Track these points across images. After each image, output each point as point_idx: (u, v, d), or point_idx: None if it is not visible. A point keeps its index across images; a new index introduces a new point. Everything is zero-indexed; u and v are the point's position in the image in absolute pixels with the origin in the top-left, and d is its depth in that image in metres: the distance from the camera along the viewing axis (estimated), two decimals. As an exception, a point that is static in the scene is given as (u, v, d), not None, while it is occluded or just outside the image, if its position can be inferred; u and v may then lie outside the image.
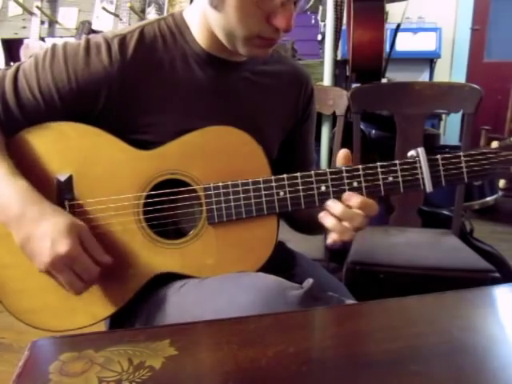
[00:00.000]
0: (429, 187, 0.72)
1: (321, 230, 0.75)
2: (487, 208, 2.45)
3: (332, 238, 0.71)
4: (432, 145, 2.29)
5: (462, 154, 0.72)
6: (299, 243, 1.00)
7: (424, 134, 1.49)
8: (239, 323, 0.57)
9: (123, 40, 0.74)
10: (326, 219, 0.71)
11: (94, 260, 0.69)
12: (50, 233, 0.66)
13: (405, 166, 0.72)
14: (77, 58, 0.73)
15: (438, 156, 0.72)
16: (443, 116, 3.24)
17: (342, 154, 0.74)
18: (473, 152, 0.72)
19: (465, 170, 0.72)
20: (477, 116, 1.43)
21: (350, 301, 0.73)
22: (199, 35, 0.77)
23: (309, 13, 2.50)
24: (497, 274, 1.23)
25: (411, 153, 0.74)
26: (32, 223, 0.67)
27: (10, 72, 0.74)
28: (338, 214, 0.70)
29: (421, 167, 0.72)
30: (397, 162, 0.72)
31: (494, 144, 0.72)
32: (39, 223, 0.67)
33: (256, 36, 0.71)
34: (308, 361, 0.49)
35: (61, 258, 0.66)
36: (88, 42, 0.74)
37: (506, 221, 2.88)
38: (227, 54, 0.78)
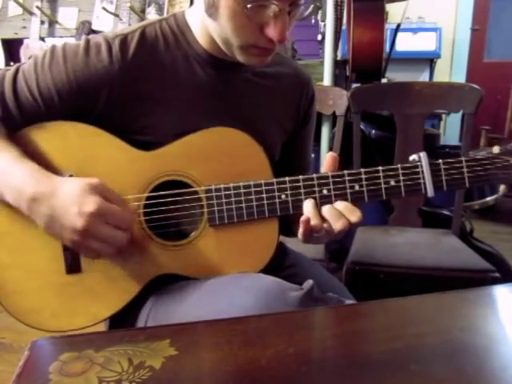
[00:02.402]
0: (430, 192, 0.72)
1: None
2: (487, 208, 2.45)
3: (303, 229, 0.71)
4: (432, 145, 2.29)
5: (463, 159, 0.72)
6: (299, 243, 0.99)
7: (424, 134, 1.49)
8: (239, 323, 0.57)
9: (124, 40, 0.74)
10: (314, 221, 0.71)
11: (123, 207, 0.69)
12: (71, 199, 0.65)
13: (407, 171, 0.72)
14: (76, 58, 0.73)
15: (440, 161, 0.72)
16: (443, 116, 3.24)
17: (330, 158, 0.74)
18: (475, 157, 0.72)
19: (466, 175, 0.71)
20: (477, 116, 1.43)
21: (350, 301, 0.73)
22: (201, 36, 0.77)
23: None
24: (497, 274, 1.23)
25: (413, 157, 0.73)
26: (49, 198, 0.66)
27: (10, 73, 0.74)
28: (322, 211, 0.71)
29: (423, 172, 0.72)
30: (399, 166, 0.72)
31: (496, 149, 0.72)
32: (56, 195, 0.66)
33: (251, 45, 0.71)
34: (308, 361, 0.49)
35: (94, 217, 0.65)
36: (88, 42, 0.74)
37: (506, 221, 2.88)
38: (229, 56, 0.78)
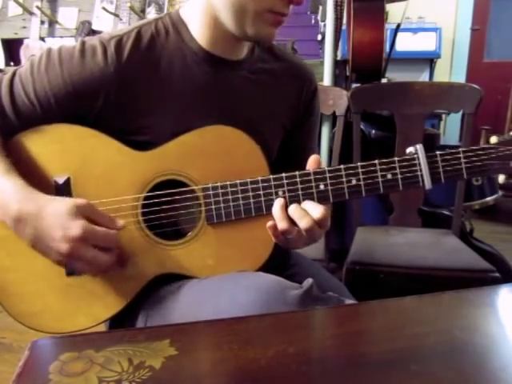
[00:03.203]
0: (428, 184, 0.71)
1: None
2: (487, 208, 2.44)
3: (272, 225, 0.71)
4: (432, 145, 2.29)
5: (460, 150, 0.71)
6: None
7: (424, 134, 1.49)
8: (239, 323, 0.57)
9: (119, 41, 0.74)
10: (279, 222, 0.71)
11: (108, 228, 0.69)
12: (56, 222, 0.65)
13: (403, 163, 0.72)
14: (72, 61, 0.73)
15: (437, 152, 0.72)
16: (443, 116, 3.24)
17: (312, 159, 0.73)
18: (472, 148, 0.71)
19: (464, 165, 0.71)
20: (477, 116, 1.43)
21: (350, 301, 0.73)
22: (198, 33, 0.77)
23: (309, 13, 2.50)
24: (497, 274, 1.23)
25: (410, 149, 0.73)
26: (34, 219, 0.66)
27: (7, 77, 0.74)
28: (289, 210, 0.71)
29: (419, 164, 0.71)
30: (395, 158, 0.72)
31: (493, 139, 0.72)
32: (41, 216, 0.66)
33: (267, 10, 0.71)
34: (308, 361, 0.49)
35: (78, 240, 0.65)
36: (83, 44, 0.74)
37: (506, 221, 2.88)
38: (227, 52, 0.78)
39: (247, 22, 0.72)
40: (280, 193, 0.73)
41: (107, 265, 0.69)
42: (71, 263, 0.68)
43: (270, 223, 0.71)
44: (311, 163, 0.73)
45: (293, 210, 0.70)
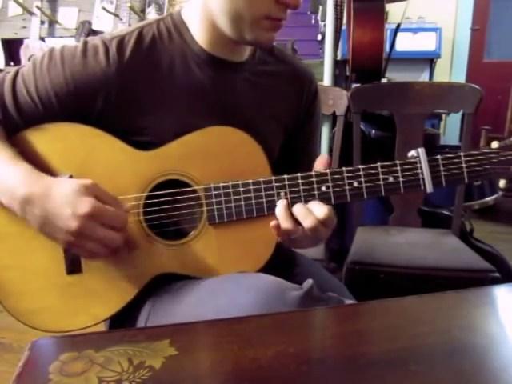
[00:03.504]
0: (429, 188, 0.72)
1: None
2: (487, 208, 2.44)
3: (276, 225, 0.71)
4: (432, 145, 2.29)
5: (462, 154, 0.72)
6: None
7: (424, 134, 1.49)
8: (239, 323, 0.57)
9: (121, 42, 0.74)
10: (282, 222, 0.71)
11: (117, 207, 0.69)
12: (64, 200, 0.65)
13: (405, 167, 0.72)
14: (74, 60, 0.73)
15: (439, 156, 0.72)
16: (443, 116, 3.24)
17: (321, 159, 0.74)
18: (473, 152, 0.72)
19: (465, 170, 0.71)
20: (477, 116, 1.44)
21: (350, 301, 0.73)
22: (199, 34, 0.77)
23: (309, 13, 2.50)
24: (497, 274, 1.23)
25: (412, 153, 0.74)
26: (42, 198, 0.66)
27: (9, 76, 0.75)
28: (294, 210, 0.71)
29: (421, 167, 0.72)
30: (397, 162, 0.72)
31: (494, 144, 0.72)
32: (49, 196, 0.66)
33: (264, 17, 0.70)
34: (308, 361, 0.49)
35: (88, 218, 0.64)
36: (85, 44, 0.74)
37: (506, 221, 2.88)
38: (228, 54, 0.78)
39: (245, 28, 0.72)
40: (282, 194, 0.73)
41: (117, 244, 0.68)
42: (79, 243, 0.66)
43: (273, 223, 0.71)
44: (319, 163, 0.74)
45: (297, 209, 0.71)
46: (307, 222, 0.69)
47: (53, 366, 0.47)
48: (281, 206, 0.72)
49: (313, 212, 0.70)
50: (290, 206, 0.72)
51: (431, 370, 0.47)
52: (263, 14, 0.70)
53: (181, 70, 0.77)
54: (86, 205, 0.64)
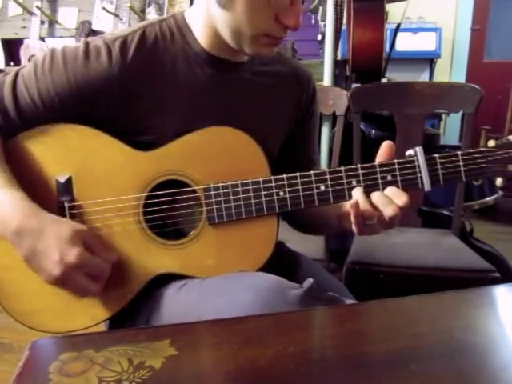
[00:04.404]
0: (427, 186, 0.72)
1: (328, 228, 0.78)
2: (487, 208, 2.45)
3: (355, 225, 0.71)
4: (432, 145, 2.29)
5: (459, 152, 0.72)
6: (299, 243, 1.00)
7: (424, 134, 1.49)
8: (239, 323, 0.57)
9: (124, 42, 0.74)
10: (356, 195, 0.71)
11: (103, 259, 0.70)
12: (55, 245, 0.66)
13: (403, 165, 0.72)
14: (76, 61, 0.72)
15: (436, 155, 0.72)
16: (443, 116, 3.24)
17: (386, 144, 0.74)
18: (470, 151, 0.72)
19: (462, 168, 0.72)
20: (477, 116, 1.43)
21: (350, 301, 0.73)
22: (201, 36, 0.77)
23: (309, 13, 2.50)
24: (497, 274, 1.23)
25: (409, 152, 0.74)
26: (34, 236, 0.67)
27: (9, 77, 0.74)
28: (373, 199, 0.71)
29: (419, 166, 0.72)
30: (395, 161, 0.72)
31: (491, 143, 0.73)
32: (41, 236, 0.67)
33: (263, 35, 0.71)
34: (308, 361, 0.49)
35: (73, 268, 0.66)
36: (87, 45, 0.74)
37: (506, 221, 2.88)
38: (229, 55, 0.78)
39: (244, 42, 0.72)
40: (281, 193, 0.73)
41: (93, 293, 0.70)
42: (59, 285, 0.68)
43: (353, 201, 0.70)
44: (384, 149, 0.73)
45: (377, 196, 0.71)
46: (388, 210, 0.69)
47: (53, 365, 0.47)
48: (359, 191, 0.71)
49: (393, 200, 0.70)
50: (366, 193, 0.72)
51: (431, 370, 0.47)
52: (263, 32, 0.71)
53: (183, 70, 0.77)
54: (73, 255, 0.66)
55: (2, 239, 0.72)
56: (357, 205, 0.70)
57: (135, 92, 0.74)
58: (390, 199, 0.70)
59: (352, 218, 0.71)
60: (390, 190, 0.71)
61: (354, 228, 0.73)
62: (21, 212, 0.67)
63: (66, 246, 0.66)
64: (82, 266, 0.66)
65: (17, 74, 0.75)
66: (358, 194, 0.72)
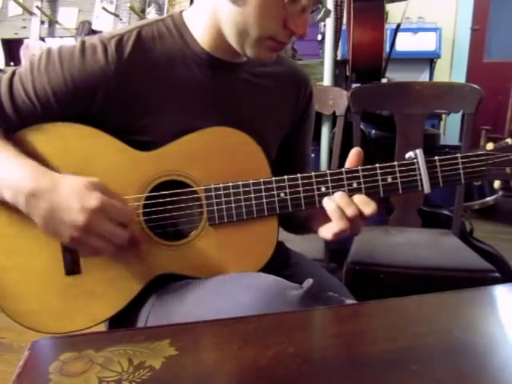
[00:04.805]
0: (427, 188, 0.73)
1: (309, 227, 0.78)
2: (487, 208, 2.45)
3: (331, 228, 0.72)
4: (432, 145, 2.29)
5: (459, 155, 0.73)
6: (299, 243, 1.00)
7: (424, 134, 1.49)
8: (239, 323, 0.57)
9: (120, 41, 0.74)
10: (327, 203, 0.72)
11: (123, 204, 0.69)
12: (73, 195, 0.65)
13: (403, 168, 0.73)
14: (73, 60, 0.72)
15: (436, 157, 0.73)
16: (443, 116, 3.24)
17: (355, 151, 0.74)
18: (470, 154, 0.73)
19: (462, 171, 0.73)
20: (477, 116, 1.43)
21: (350, 301, 0.74)
22: (201, 36, 0.77)
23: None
24: (497, 274, 1.23)
25: (409, 154, 0.74)
26: (49, 192, 0.66)
27: (6, 76, 0.74)
28: (338, 200, 0.71)
29: (419, 168, 0.72)
30: (395, 163, 0.73)
31: (490, 146, 0.74)
32: (57, 189, 0.66)
33: (268, 37, 0.71)
34: (308, 361, 0.49)
35: (96, 212, 0.65)
36: (83, 43, 0.74)
37: (506, 221, 2.88)
38: (228, 55, 0.78)
39: (248, 43, 0.72)
40: (282, 194, 0.73)
41: (122, 240, 0.68)
42: (84, 239, 0.66)
43: (326, 199, 0.72)
44: (352, 156, 0.74)
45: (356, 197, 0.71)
46: (350, 211, 0.70)
47: (53, 366, 0.47)
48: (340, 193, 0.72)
49: (360, 209, 0.70)
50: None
51: (431, 369, 0.47)
52: (269, 35, 0.71)
53: (181, 70, 0.77)
54: (94, 199, 0.65)
55: (2, 239, 0.72)
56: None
57: (131, 90, 0.74)
58: (357, 207, 0.71)
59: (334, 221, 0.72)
60: (359, 198, 0.71)
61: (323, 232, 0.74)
62: (32, 175, 0.67)
63: (83, 193, 0.65)
64: (104, 210, 0.65)
65: (14, 73, 0.75)
66: (339, 196, 0.72)
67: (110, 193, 0.68)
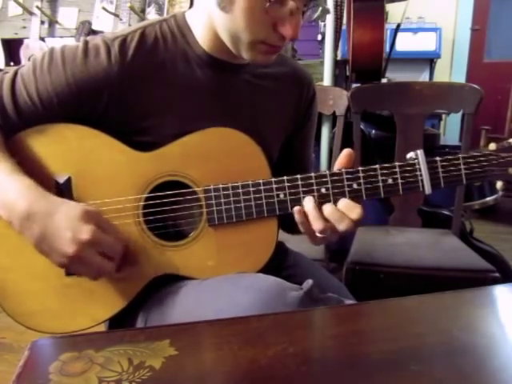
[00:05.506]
0: (428, 189, 0.72)
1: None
2: (487, 208, 2.45)
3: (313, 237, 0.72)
4: (432, 145, 2.29)
5: (460, 156, 0.72)
6: (299, 243, 1.00)
7: (424, 134, 1.49)
8: (239, 323, 0.57)
9: (124, 42, 0.74)
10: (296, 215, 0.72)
11: (116, 238, 0.69)
12: (66, 223, 0.65)
13: (404, 168, 0.72)
14: (75, 60, 0.72)
15: (437, 158, 0.72)
16: (443, 116, 3.24)
17: (346, 152, 0.73)
18: (471, 154, 0.72)
19: (463, 172, 0.72)
20: (477, 116, 1.43)
21: (350, 301, 0.74)
22: (201, 37, 0.77)
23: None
24: (497, 274, 1.23)
25: (410, 155, 0.74)
26: (43, 218, 0.66)
27: (8, 76, 0.74)
28: (310, 210, 0.71)
29: (420, 169, 0.72)
30: (396, 164, 0.72)
31: (492, 146, 0.73)
32: (51, 216, 0.66)
33: (261, 42, 0.71)
34: (308, 361, 0.49)
35: (87, 245, 0.65)
36: (86, 44, 0.74)
37: (506, 221, 2.88)
38: (229, 56, 0.78)
39: (242, 47, 0.72)
40: (281, 195, 0.73)
41: (108, 272, 0.69)
42: (72, 266, 0.67)
43: (297, 209, 0.71)
44: (342, 157, 0.73)
45: (330, 212, 0.70)
46: (343, 225, 0.69)
47: (53, 366, 0.47)
48: (311, 205, 0.71)
49: (346, 215, 0.69)
50: (318, 205, 0.71)
51: (431, 370, 0.47)
52: (260, 39, 0.70)
53: (183, 70, 0.77)
54: (86, 232, 0.65)
55: (2, 240, 0.72)
56: (303, 213, 0.71)
57: (134, 92, 0.74)
58: (343, 214, 0.69)
59: (300, 227, 0.72)
60: (343, 203, 0.70)
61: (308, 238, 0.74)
62: (28, 196, 0.67)
63: (77, 224, 0.65)
64: (95, 243, 0.65)
65: (16, 73, 0.74)
66: (310, 208, 0.71)
67: (104, 223, 0.69)
